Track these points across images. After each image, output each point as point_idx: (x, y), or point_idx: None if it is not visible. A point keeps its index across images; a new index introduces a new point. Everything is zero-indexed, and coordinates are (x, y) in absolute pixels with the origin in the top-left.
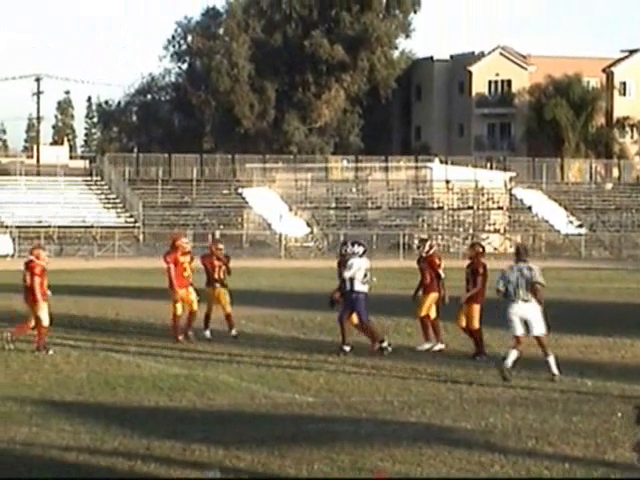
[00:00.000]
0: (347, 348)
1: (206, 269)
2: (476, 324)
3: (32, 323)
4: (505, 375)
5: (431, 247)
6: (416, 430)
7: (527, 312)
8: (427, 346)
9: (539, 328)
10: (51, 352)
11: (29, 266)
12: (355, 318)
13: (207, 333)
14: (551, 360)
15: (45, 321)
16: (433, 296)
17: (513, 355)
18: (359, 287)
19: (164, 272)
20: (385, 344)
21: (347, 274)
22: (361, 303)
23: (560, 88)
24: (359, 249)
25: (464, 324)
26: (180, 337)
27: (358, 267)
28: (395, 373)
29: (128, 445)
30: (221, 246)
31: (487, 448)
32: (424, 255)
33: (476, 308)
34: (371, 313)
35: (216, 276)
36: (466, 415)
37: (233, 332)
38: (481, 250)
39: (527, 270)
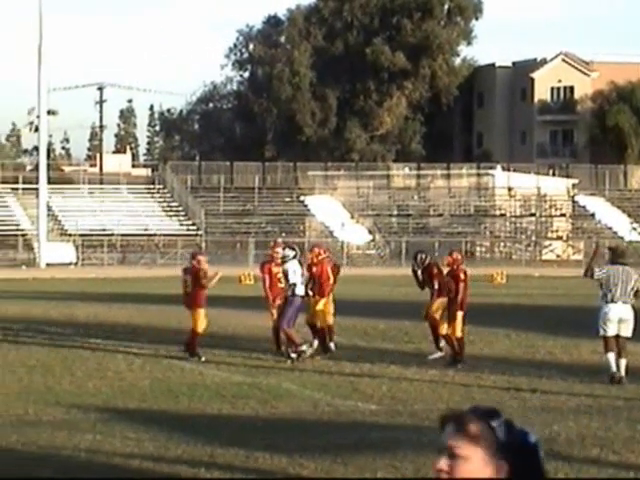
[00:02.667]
0: (304, 347)
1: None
2: (458, 332)
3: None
4: (618, 378)
5: (422, 260)
6: None
7: (624, 313)
8: (438, 355)
9: (629, 330)
10: (203, 359)
11: (191, 271)
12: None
13: (331, 345)
14: (623, 363)
15: (200, 327)
16: (441, 300)
17: (612, 357)
18: (299, 291)
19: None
20: (303, 347)
21: (291, 279)
22: (293, 308)
23: (623, 94)
24: (290, 252)
25: (445, 331)
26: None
27: (293, 271)
28: (458, 381)
29: (191, 453)
30: (278, 249)
31: (551, 456)
32: (423, 267)
33: (459, 315)
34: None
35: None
36: (529, 423)
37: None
38: (459, 257)
39: (627, 273)
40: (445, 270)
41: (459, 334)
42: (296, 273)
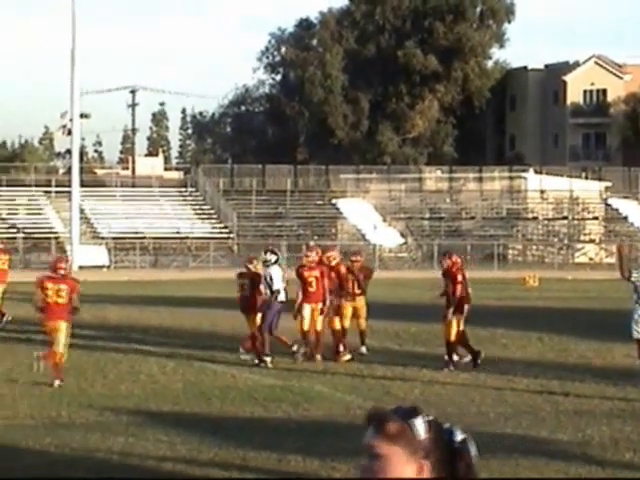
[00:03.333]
0: (295, 347)
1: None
2: (452, 335)
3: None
4: None
5: (452, 261)
6: (512, 441)
7: None
8: (467, 359)
9: None
10: (269, 360)
11: (248, 276)
12: (337, 323)
13: (363, 348)
14: None
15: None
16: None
17: None
18: (280, 297)
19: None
20: (267, 360)
21: (274, 286)
22: (273, 312)
23: None
24: (272, 257)
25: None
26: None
27: (276, 276)
28: (490, 384)
29: (224, 456)
30: (309, 253)
31: (584, 460)
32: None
33: (460, 318)
34: (466, 323)
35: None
36: (562, 427)
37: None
38: (458, 260)
39: None
40: (442, 272)
41: (452, 337)
42: (279, 278)
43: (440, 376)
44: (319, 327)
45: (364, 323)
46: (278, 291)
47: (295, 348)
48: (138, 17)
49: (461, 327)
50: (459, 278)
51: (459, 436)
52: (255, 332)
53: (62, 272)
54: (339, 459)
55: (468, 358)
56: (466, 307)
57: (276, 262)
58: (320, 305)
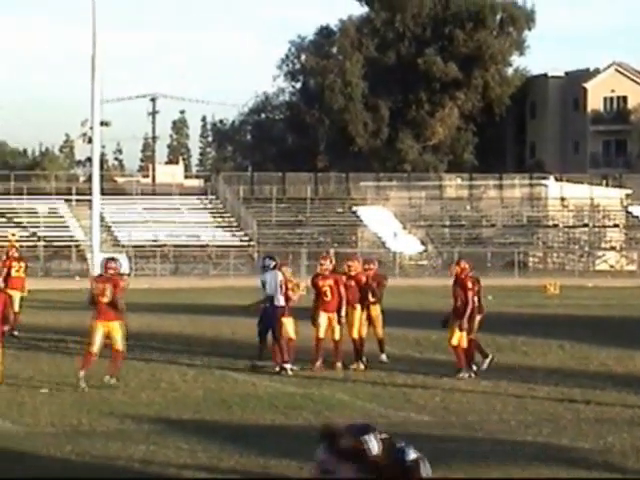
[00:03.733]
0: (288, 366)
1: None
2: (455, 340)
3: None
4: None
5: (461, 268)
6: (533, 449)
7: None
8: (485, 365)
9: None
10: (289, 367)
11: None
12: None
13: (383, 356)
14: None
15: (292, 334)
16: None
17: None
18: (279, 302)
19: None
20: (288, 366)
21: (268, 290)
22: (274, 319)
23: None
24: (270, 262)
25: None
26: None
27: (276, 281)
28: (511, 392)
29: (245, 464)
30: (323, 262)
31: (605, 468)
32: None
33: (462, 325)
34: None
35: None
36: (584, 435)
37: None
38: (467, 266)
39: None
40: (452, 280)
41: (460, 343)
42: (275, 283)
43: (461, 384)
44: (337, 336)
45: (381, 331)
46: (272, 296)
47: (259, 364)
48: (159, 25)
49: (472, 335)
50: (469, 285)
51: (411, 455)
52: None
53: (111, 272)
54: None
55: (487, 362)
56: (478, 317)
57: (274, 268)
58: (335, 315)
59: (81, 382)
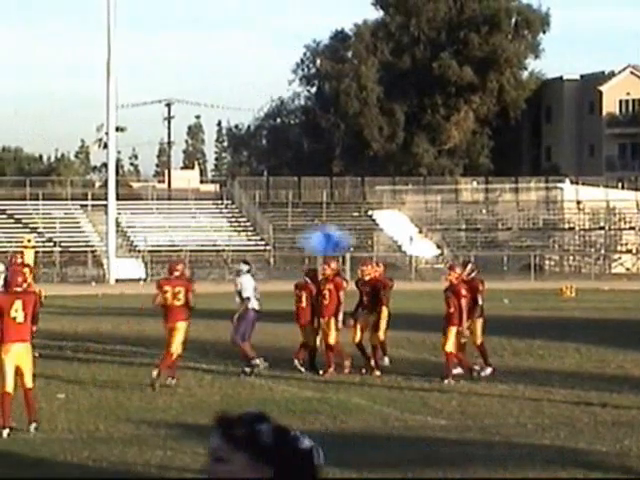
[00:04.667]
0: (257, 361)
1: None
2: (449, 347)
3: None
4: None
5: (457, 275)
6: (550, 453)
7: None
8: (489, 371)
9: None
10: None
11: (306, 288)
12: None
13: (386, 360)
14: None
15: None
16: (480, 321)
17: None
18: (253, 305)
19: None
20: (257, 361)
21: (244, 294)
22: (248, 322)
23: None
24: (244, 267)
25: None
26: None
27: (249, 285)
28: (528, 395)
29: None
30: (326, 266)
31: (623, 471)
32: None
33: (453, 330)
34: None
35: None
36: (600, 438)
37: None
38: (461, 273)
39: None
40: (445, 285)
41: (450, 349)
42: (249, 287)
43: (478, 387)
44: (332, 340)
45: (382, 335)
46: (248, 299)
47: (257, 362)
48: (174, 30)
49: (478, 341)
50: (463, 292)
51: (305, 444)
52: (308, 342)
53: (177, 273)
54: (377, 471)
55: (489, 370)
56: (480, 321)
57: (248, 272)
58: (332, 319)
59: (171, 381)
